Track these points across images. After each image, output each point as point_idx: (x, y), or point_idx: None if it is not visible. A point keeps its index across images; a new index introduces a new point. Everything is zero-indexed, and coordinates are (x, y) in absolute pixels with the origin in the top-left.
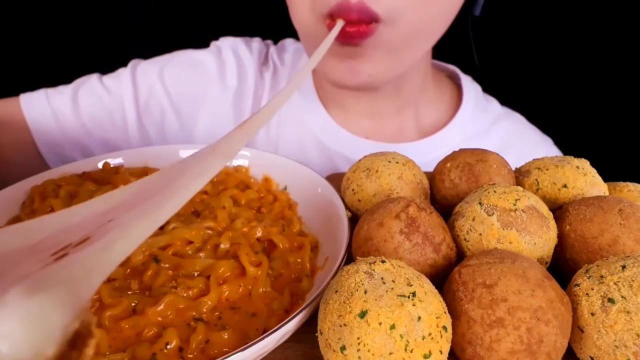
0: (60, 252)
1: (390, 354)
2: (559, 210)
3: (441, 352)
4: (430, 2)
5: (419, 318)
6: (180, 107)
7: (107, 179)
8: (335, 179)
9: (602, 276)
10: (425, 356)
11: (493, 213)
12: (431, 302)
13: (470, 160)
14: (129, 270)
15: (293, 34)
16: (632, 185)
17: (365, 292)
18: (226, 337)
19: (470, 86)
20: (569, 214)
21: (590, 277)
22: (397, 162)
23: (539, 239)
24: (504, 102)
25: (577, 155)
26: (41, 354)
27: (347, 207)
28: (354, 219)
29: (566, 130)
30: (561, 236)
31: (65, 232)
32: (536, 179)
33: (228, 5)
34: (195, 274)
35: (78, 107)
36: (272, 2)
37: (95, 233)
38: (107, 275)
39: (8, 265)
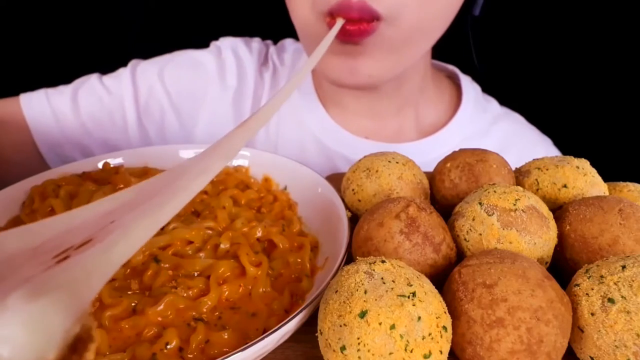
0: (61, 254)
1: (390, 354)
2: (559, 210)
3: (441, 352)
4: (430, 1)
5: (419, 318)
6: (180, 107)
7: (107, 179)
8: (335, 179)
9: (602, 276)
10: (425, 356)
11: (493, 213)
12: (431, 302)
13: (470, 160)
14: (129, 270)
15: (293, 34)
16: (632, 185)
17: (365, 292)
18: (226, 337)
19: (469, 86)
20: (569, 214)
21: (590, 277)
22: (397, 162)
23: (539, 239)
24: (503, 102)
25: (577, 155)
26: (42, 359)
27: (347, 207)
28: (354, 219)
29: (566, 130)
30: (561, 236)
31: (66, 234)
32: (536, 179)
33: (228, 5)
34: (195, 274)
35: (78, 107)
36: (272, 2)
37: (97, 235)
38: (108, 278)
39: (10, 269)
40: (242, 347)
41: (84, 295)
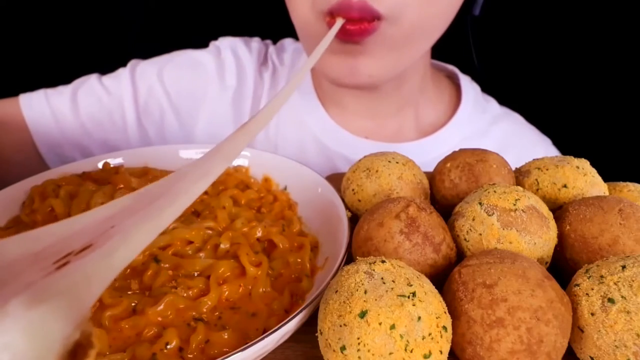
0: (62, 260)
1: (390, 354)
2: (559, 210)
3: (441, 352)
4: (431, 0)
5: (419, 318)
6: (180, 107)
7: (107, 179)
8: (335, 179)
9: (602, 276)
10: (425, 356)
11: (493, 213)
12: (431, 302)
13: (470, 160)
14: (129, 270)
15: (292, 34)
16: (632, 185)
17: (365, 292)
18: (226, 337)
19: (469, 86)
20: (569, 214)
21: (590, 277)
22: (397, 162)
23: (539, 239)
24: (502, 102)
25: (577, 155)
26: None
27: (347, 207)
28: (354, 219)
29: (565, 130)
30: (561, 236)
31: (67, 239)
32: (536, 179)
33: (228, 5)
34: (195, 274)
35: (77, 107)
36: (271, 2)
37: (98, 240)
38: (108, 283)
39: (10, 274)
40: (242, 347)
41: (84, 301)
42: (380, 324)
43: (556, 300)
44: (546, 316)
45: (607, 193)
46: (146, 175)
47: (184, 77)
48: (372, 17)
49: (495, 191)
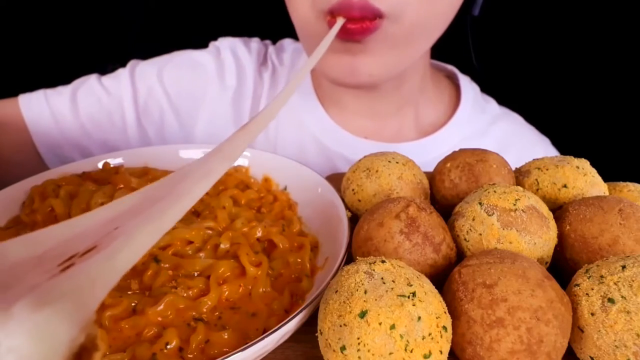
0: (66, 262)
1: (390, 354)
2: (559, 210)
3: (441, 352)
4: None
5: (419, 318)
6: (180, 107)
7: (107, 179)
8: (335, 179)
9: (602, 276)
10: (425, 356)
11: (493, 213)
12: (431, 302)
13: (470, 160)
14: (129, 270)
15: (292, 34)
16: (632, 185)
17: (365, 292)
18: (226, 337)
19: (468, 86)
20: (569, 214)
21: (590, 277)
22: (397, 162)
23: (539, 239)
24: (502, 101)
25: (577, 155)
26: None
27: (347, 207)
28: (354, 219)
29: (565, 130)
30: (561, 236)
31: (71, 241)
32: (536, 179)
33: (227, 5)
34: (195, 274)
35: (77, 107)
36: (271, 2)
37: (102, 241)
38: (112, 285)
39: (15, 277)
40: (242, 347)
41: (89, 304)
42: (380, 324)
43: (556, 300)
44: (546, 316)
45: (607, 193)
46: (146, 175)
47: (184, 77)
48: (374, 16)
49: (495, 191)
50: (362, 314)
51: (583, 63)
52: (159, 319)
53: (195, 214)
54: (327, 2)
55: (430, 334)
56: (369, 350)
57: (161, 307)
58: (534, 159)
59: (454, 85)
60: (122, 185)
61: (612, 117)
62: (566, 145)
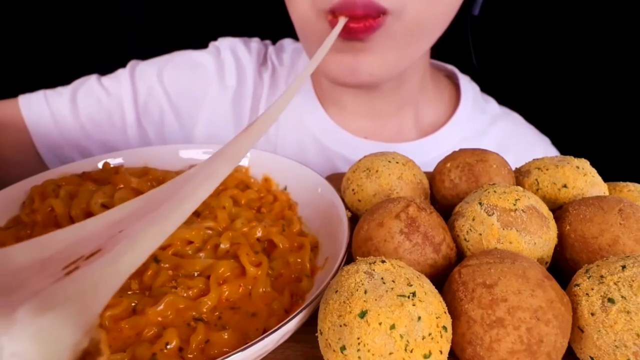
0: (71, 265)
1: (390, 354)
2: (559, 210)
3: (441, 352)
4: None
5: (419, 318)
6: (180, 107)
7: (107, 179)
8: (335, 179)
9: (602, 276)
10: (425, 356)
11: (493, 213)
12: (431, 302)
13: (470, 160)
14: None
15: (292, 34)
16: (632, 185)
17: (365, 292)
18: (226, 337)
19: (468, 86)
20: (569, 214)
21: (590, 277)
22: (397, 162)
23: (539, 239)
24: (502, 101)
25: (577, 155)
26: None
27: (347, 207)
28: (354, 219)
29: (565, 130)
30: (561, 236)
31: (77, 244)
32: (536, 179)
33: (227, 5)
34: (195, 274)
35: (77, 108)
36: (271, 2)
37: (106, 245)
38: (115, 289)
39: (19, 282)
40: (242, 347)
41: (92, 308)
42: (380, 324)
43: (556, 300)
44: (546, 316)
45: (607, 193)
46: (146, 175)
47: (184, 77)
48: (377, 13)
49: (495, 191)
50: (362, 314)
51: (583, 63)
52: (159, 319)
53: (195, 214)
54: (329, 1)
55: (430, 334)
56: (369, 350)
57: (161, 307)
58: (534, 159)
59: (454, 85)
60: (122, 185)
61: (612, 117)
62: (566, 145)
